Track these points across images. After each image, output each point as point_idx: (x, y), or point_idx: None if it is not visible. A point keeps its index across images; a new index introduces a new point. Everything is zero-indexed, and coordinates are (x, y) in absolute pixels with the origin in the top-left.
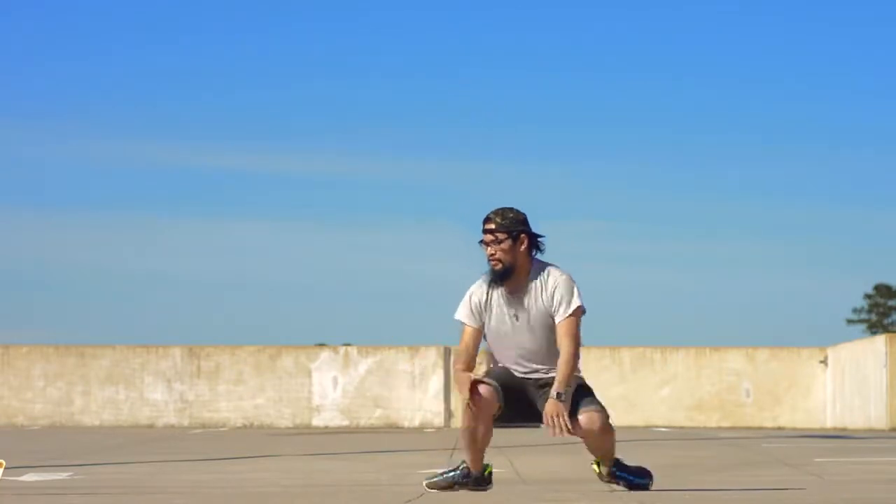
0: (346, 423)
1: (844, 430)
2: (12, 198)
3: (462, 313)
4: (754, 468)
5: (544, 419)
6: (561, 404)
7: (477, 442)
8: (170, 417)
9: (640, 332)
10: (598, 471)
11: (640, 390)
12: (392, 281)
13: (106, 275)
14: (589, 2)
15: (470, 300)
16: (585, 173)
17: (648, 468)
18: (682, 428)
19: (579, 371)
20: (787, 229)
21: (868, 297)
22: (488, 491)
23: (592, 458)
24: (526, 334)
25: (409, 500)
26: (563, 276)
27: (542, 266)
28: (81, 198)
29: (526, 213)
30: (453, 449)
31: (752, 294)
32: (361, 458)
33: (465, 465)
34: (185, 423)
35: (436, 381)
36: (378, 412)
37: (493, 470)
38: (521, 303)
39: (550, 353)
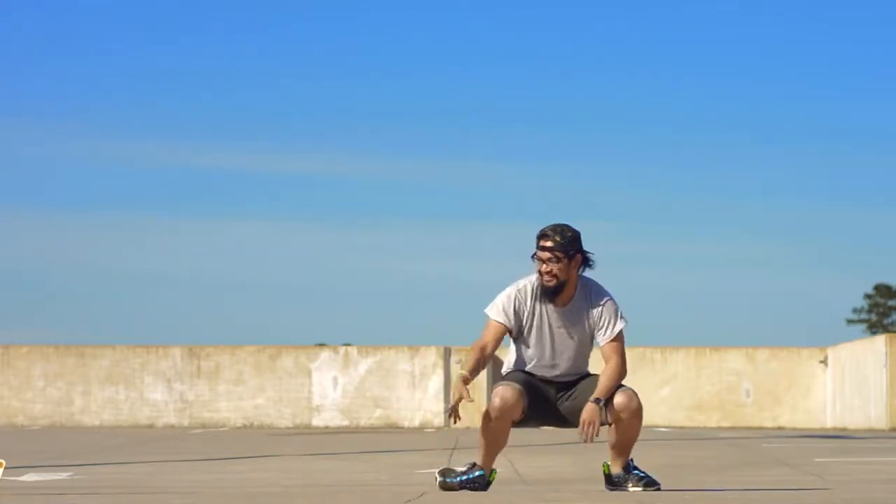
0: (346, 423)
1: (844, 430)
2: (12, 198)
3: (495, 311)
4: (754, 468)
5: (580, 422)
6: (598, 411)
7: (495, 445)
8: (170, 417)
9: (640, 332)
10: (607, 472)
11: (641, 390)
12: (392, 281)
13: (106, 275)
14: (589, 2)
15: (510, 303)
16: (585, 173)
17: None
18: (682, 428)
19: None
20: (787, 229)
21: (868, 297)
22: (488, 491)
23: (604, 459)
24: (565, 347)
25: (409, 500)
26: (609, 299)
27: (588, 283)
28: (81, 198)
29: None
30: (453, 449)
31: (752, 294)
32: (361, 458)
33: (481, 472)
34: (185, 423)
35: (436, 381)
36: (378, 412)
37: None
38: (566, 317)
39: (582, 364)
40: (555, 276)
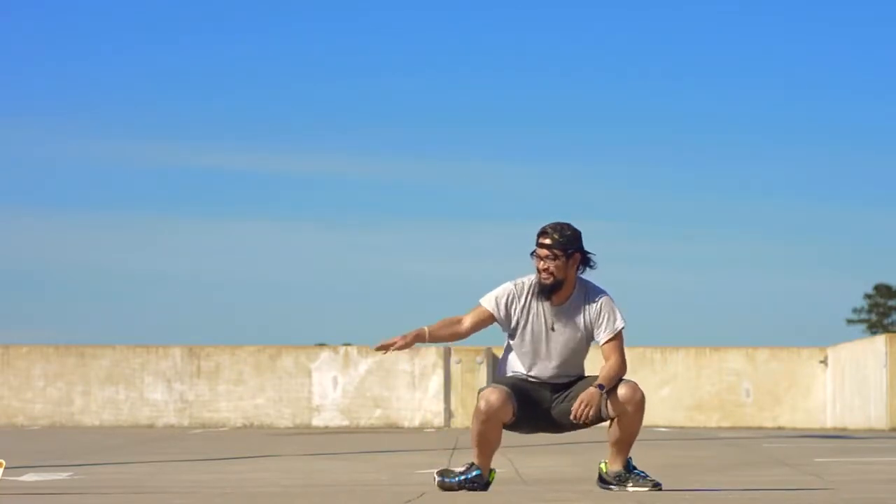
0: (346, 423)
1: (844, 430)
2: (12, 198)
3: (486, 299)
4: (754, 468)
5: (577, 400)
6: (599, 396)
7: (488, 447)
8: (170, 417)
9: (640, 332)
10: (605, 470)
11: None
12: (392, 281)
13: (106, 275)
14: (589, 2)
15: (504, 294)
16: (585, 173)
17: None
18: (682, 428)
19: None
20: (787, 229)
21: (868, 297)
22: (488, 491)
23: (601, 458)
24: (560, 346)
25: (409, 500)
26: (606, 297)
27: (585, 284)
28: (81, 198)
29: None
30: (453, 449)
31: (752, 294)
32: (361, 458)
33: (479, 472)
34: (185, 423)
35: (436, 381)
36: (378, 412)
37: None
38: (562, 315)
39: (576, 365)
40: (552, 273)
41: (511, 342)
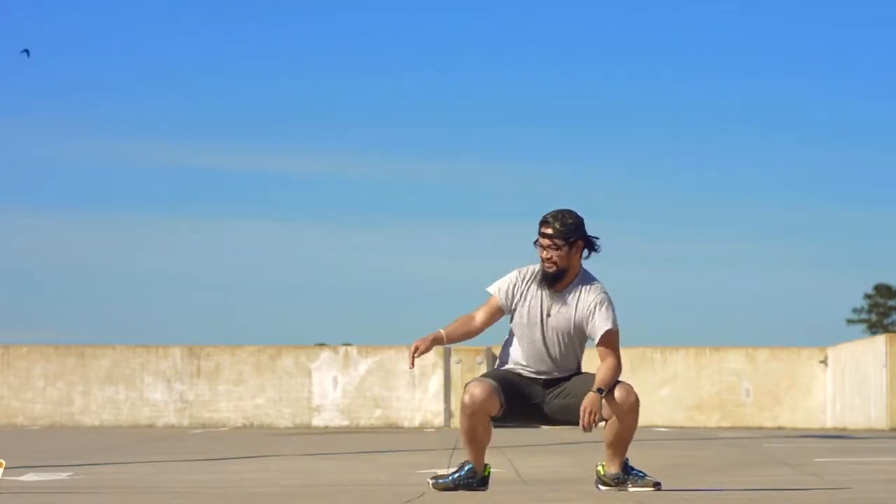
0: (346, 423)
1: (844, 430)
2: (12, 198)
3: (494, 288)
4: (754, 468)
5: (581, 409)
6: (598, 400)
7: (476, 441)
8: (170, 417)
9: (640, 332)
10: (602, 473)
11: (640, 390)
12: (392, 281)
13: (106, 275)
14: (589, 2)
15: (507, 284)
16: (585, 173)
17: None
18: (682, 428)
19: None
20: (787, 229)
21: (868, 297)
22: (488, 491)
23: (599, 460)
24: (552, 332)
25: (409, 500)
26: (602, 296)
27: (587, 276)
28: (81, 198)
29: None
30: (453, 449)
31: (752, 294)
32: (361, 458)
33: (471, 466)
34: (185, 423)
35: (436, 381)
36: (378, 412)
37: (493, 470)
38: (558, 302)
39: (568, 359)
40: (555, 263)
41: (511, 326)
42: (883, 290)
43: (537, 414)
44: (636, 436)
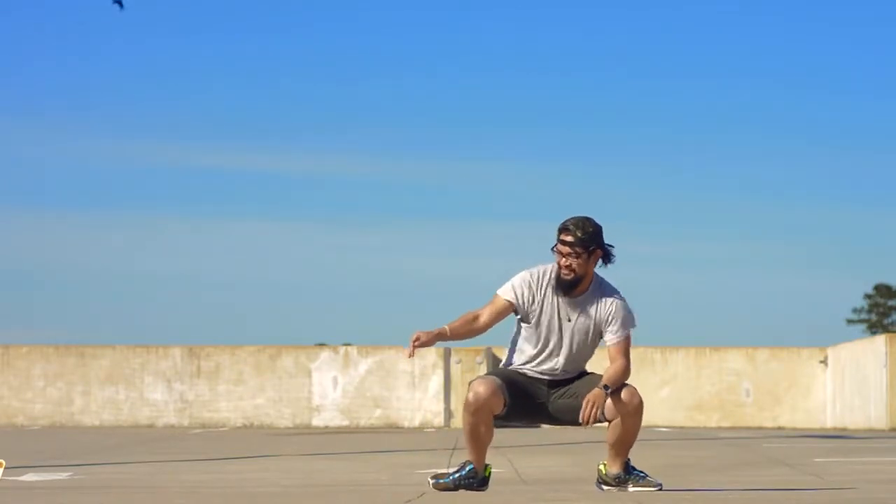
0: (346, 423)
1: (844, 430)
2: (12, 198)
3: (505, 290)
4: (754, 468)
5: (584, 401)
6: (604, 396)
7: (478, 439)
8: (170, 417)
9: (640, 332)
10: (604, 472)
11: (641, 390)
12: (392, 281)
13: (106, 275)
14: (589, 2)
15: (521, 285)
16: (586, 173)
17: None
18: (682, 428)
19: None
20: (787, 229)
21: (868, 297)
22: (488, 491)
23: (600, 459)
24: (570, 339)
25: (409, 500)
26: (621, 301)
27: (602, 282)
28: (81, 198)
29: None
30: (453, 449)
31: (752, 294)
32: (361, 458)
33: (472, 466)
34: (185, 423)
35: (436, 381)
36: (378, 412)
37: (494, 470)
38: (575, 308)
39: (577, 362)
40: (573, 270)
41: (523, 326)
42: (883, 290)
43: (541, 413)
44: (637, 435)
